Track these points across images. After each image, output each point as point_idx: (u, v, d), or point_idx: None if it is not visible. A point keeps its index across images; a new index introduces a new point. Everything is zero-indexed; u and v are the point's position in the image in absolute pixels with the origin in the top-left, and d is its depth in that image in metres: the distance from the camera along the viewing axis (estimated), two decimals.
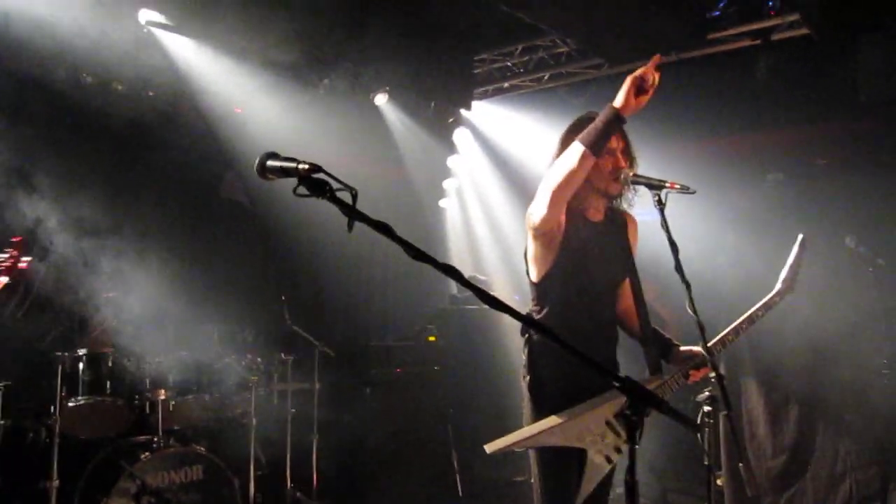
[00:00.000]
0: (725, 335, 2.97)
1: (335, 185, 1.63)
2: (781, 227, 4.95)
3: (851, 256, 4.54)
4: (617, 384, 1.73)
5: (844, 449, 4.77)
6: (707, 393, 2.68)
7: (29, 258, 3.15)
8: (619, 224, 3.05)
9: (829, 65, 5.78)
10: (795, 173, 5.60)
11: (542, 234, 2.88)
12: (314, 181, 1.62)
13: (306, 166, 1.59)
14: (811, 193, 5.33)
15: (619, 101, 2.69)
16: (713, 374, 2.66)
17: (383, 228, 1.64)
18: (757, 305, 3.03)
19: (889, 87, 5.24)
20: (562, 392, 2.81)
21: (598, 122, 2.70)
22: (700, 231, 5.06)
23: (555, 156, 2.88)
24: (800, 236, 3.12)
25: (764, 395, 5.04)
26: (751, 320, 3.01)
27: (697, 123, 6.40)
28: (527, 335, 3.01)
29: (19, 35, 4.72)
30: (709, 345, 2.76)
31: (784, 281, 3.08)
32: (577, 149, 2.70)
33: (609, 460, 2.77)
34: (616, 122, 2.70)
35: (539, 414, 2.82)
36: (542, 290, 2.96)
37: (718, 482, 5.52)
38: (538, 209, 2.81)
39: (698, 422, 2.66)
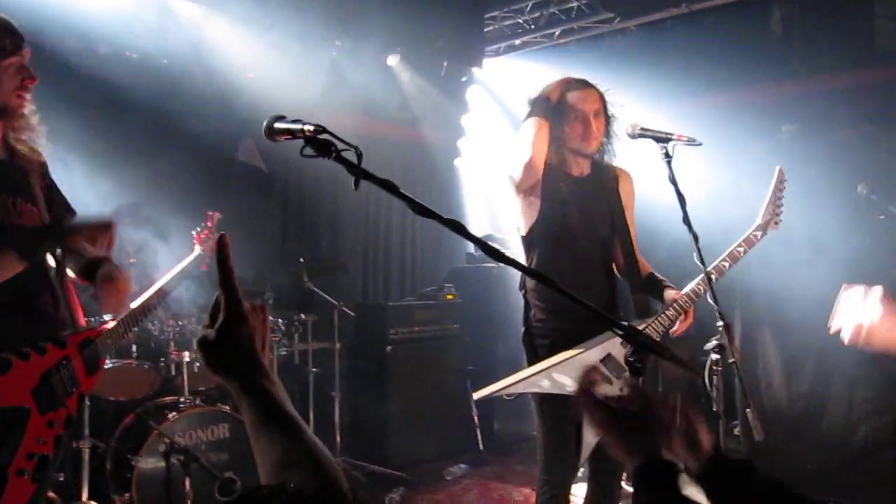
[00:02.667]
0: (709, 272, 2.89)
1: (340, 145, 1.68)
2: (797, 178, 4.93)
3: (864, 204, 4.53)
4: (619, 331, 1.79)
5: (859, 397, 4.81)
6: (715, 342, 2.74)
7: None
8: (606, 179, 3.14)
9: (844, 14, 5.71)
10: (811, 124, 5.56)
11: (521, 192, 3.07)
12: (320, 142, 1.67)
13: (311, 127, 1.64)
14: (827, 144, 5.30)
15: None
16: (720, 324, 2.72)
17: (388, 186, 1.69)
18: (737, 241, 3.04)
19: None
20: (552, 343, 2.93)
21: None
22: (714, 184, 5.07)
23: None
24: (777, 168, 3.11)
25: (779, 345, 5.08)
26: (733, 257, 3.02)
27: (711, 76, 6.35)
28: (523, 290, 3.14)
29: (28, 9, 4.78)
30: (689, 286, 2.94)
31: (764, 215, 3.08)
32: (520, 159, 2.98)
33: None
34: None
35: (531, 363, 2.94)
36: (527, 243, 3.16)
37: (735, 431, 5.61)
38: (513, 173, 3.03)
39: (706, 370, 2.73)
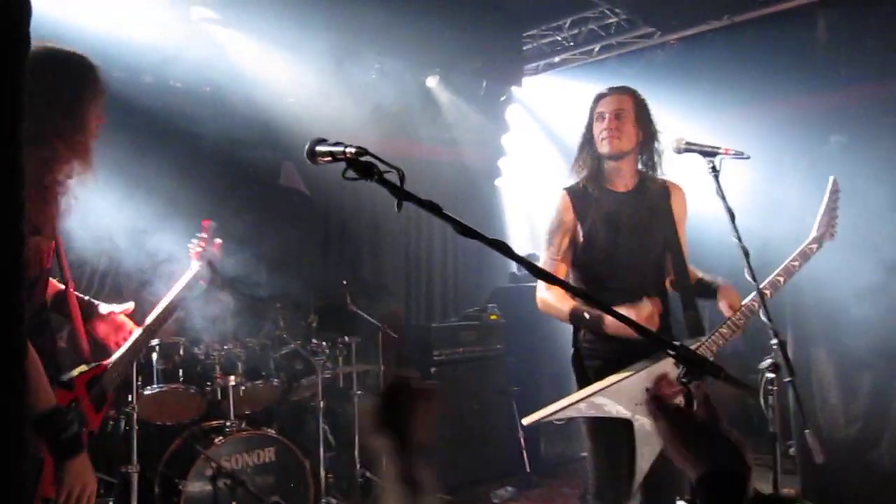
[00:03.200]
0: (763, 289, 2.84)
1: (382, 167, 1.66)
2: (846, 188, 4.81)
3: None
4: (671, 351, 1.73)
5: None
6: (769, 360, 2.66)
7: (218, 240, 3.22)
8: (654, 193, 3.06)
9: (893, 21, 5.57)
10: (859, 134, 5.41)
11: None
12: (362, 164, 1.65)
13: (353, 150, 1.63)
14: (876, 154, 5.16)
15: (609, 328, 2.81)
16: (775, 342, 2.63)
17: (432, 207, 1.67)
18: (792, 255, 2.97)
19: None
20: (603, 365, 2.87)
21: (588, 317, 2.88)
22: (760, 197, 4.96)
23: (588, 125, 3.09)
24: (831, 179, 3.03)
25: (834, 361, 4.93)
26: (787, 271, 2.94)
27: (755, 87, 6.24)
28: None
29: (76, 43, 4.89)
30: (744, 303, 2.87)
31: (819, 228, 3.00)
32: (561, 309, 2.97)
33: None
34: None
35: (581, 386, 2.87)
36: (575, 266, 3.11)
37: (791, 451, 5.45)
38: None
39: (761, 389, 2.64)
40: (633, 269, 3.00)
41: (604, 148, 3.02)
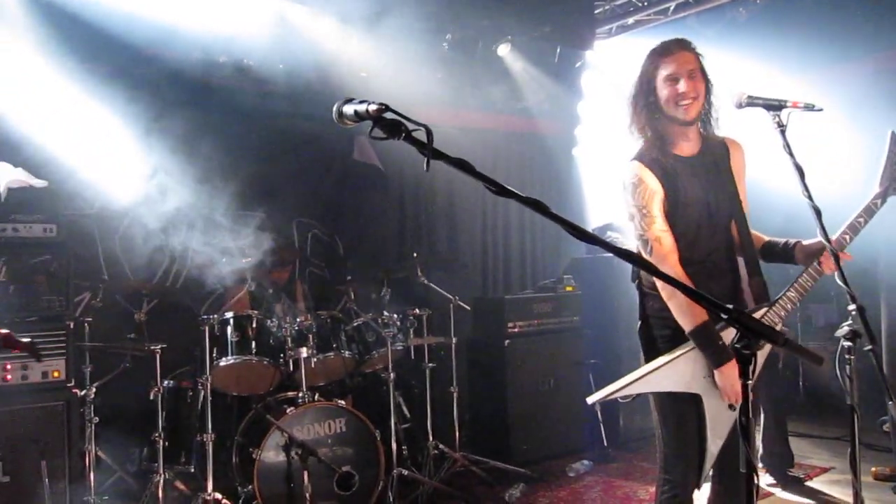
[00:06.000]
0: (833, 249, 2.62)
1: (410, 125, 1.60)
2: None
3: None
4: (724, 315, 1.62)
5: None
6: (847, 327, 2.48)
7: None
8: (718, 154, 2.86)
9: None
10: None
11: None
12: (389, 122, 1.60)
13: (374, 107, 1.58)
14: None
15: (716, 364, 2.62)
16: (853, 307, 2.45)
17: (461, 165, 1.60)
18: (857, 212, 2.76)
19: None
20: (674, 333, 2.72)
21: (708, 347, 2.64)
22: (845, 157, 4.66)
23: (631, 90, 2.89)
24: (889, 132, 2.78)
25: None
26: (853, 228, 2.75)
27: (845, 44, 5.91)
28: (636, 280, 2.94)
29: (153, 25, 5.01)
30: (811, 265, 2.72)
31: (882, 182, 2.78)
32: (688, 317, 2.65)
33: (731, 407, 2.65)
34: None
35: (649, 360, 2.74)
36: None
37: (885, 427, 5.14)
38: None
39: (836, 358, 2.47)
40: (710, 239, 2.83)
41: (682, 114, 2.77)
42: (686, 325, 2.65)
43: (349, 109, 1.65)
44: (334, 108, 1.70)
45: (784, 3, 6.21)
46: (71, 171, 4.55)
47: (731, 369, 2.56)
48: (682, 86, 2.75)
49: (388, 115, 1.59)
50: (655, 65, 2.83)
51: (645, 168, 2.78)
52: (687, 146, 2.86)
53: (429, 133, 1.58)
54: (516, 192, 1.61)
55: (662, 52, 2.83)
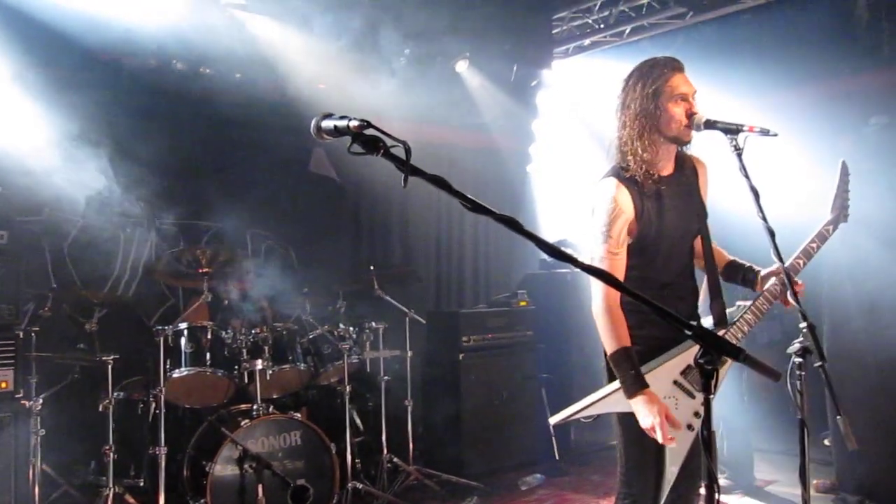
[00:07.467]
0: (787, 270, 2.65)
1: (389, 141, 1.62)
2: (887, 172, 4.66)
3: None
4: (689, 332, 1.67)
5: None
6: (798, 344, 2.57)
7: None
8: (689, 172, 2.86)
9: None
10: None
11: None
12: (367, 138, 1.61)
13: (356, 122, 1.59)
14: None
15: (629, 393, 2.57)
16: (804, 325, 2.54)
17: (438, 182, 1.63)
18: (810, 237, 2.89)
19: None
20: (644, 351, 2.68)
21: (625, 372, 2.59)
22: (798, 179, 4.83)
23: (620, 106, 2.78)
24: (840, 161, 2.98)
25: (874, 348, 4.77)
26: (807, 253, 2.88)
27: (793, 68, 6.07)
28: None
29: (111, 30, 4.95)
30: (767, 287, 2.82)
31: (833, 209, 2.95)
32: (612, 340, 2.62)
33: (690, 427, 2.65)
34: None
35: (611, 378, 2.71)
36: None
37: (826, 442, 5.29)
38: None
39: (788, 374, 2.56)
40: (678, 258, 2.83)
41: (685, 135, 2.68)
42: (608, 347, 2.63)
43: (328, 124, 1.67)
44: (312, 123, 1.71)
45: (737, 28, 6.40)
46: (22, 175, 4.45)
47: (646, 401, 2.49)
48: (692, 106, 2.67)
49: (368, 132, 1.61)
50: (666, 78, 2.69)
51: (622, 187, 2.69)
52: (668, 165, 2.80)
53: (407, 150, 1.60)
54: (491, 209, 1.64)
55: (675, 67, 2.72)
